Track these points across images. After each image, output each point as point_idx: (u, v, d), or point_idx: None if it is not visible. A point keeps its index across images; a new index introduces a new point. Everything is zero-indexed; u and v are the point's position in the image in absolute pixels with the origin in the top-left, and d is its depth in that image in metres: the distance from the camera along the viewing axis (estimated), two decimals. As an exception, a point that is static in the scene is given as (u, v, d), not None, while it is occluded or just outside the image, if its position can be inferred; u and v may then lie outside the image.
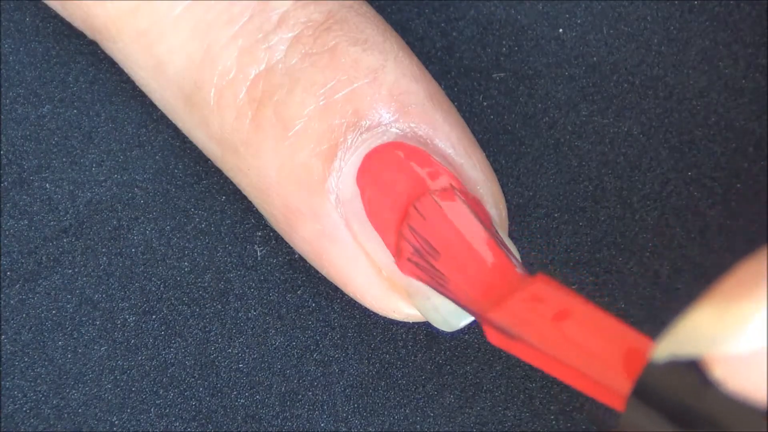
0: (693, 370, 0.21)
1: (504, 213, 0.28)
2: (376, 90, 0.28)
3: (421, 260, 0.27)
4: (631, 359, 0.23)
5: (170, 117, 0.29)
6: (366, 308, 0.31)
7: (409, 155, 0.27)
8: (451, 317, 0.27)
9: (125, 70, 0.30)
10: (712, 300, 0.21)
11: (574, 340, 0.24)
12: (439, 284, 0.27)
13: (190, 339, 0.31)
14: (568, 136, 0.32)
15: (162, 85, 0.29)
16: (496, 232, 0.27)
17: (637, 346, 0.24)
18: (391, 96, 0.28)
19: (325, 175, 0.27)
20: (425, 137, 0.28)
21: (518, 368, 0.31)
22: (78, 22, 0.29)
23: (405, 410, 0.30)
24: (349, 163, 0.27)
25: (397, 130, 0.28)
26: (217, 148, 0.29)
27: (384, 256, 0.27)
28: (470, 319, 0.27)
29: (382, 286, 0.28)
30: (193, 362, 0.31)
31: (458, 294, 0.26)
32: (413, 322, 0.31)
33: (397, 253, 0.27)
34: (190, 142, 0.32)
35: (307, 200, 0.28)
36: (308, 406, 0.30)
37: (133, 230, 0.31)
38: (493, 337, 0.26)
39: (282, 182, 0.28)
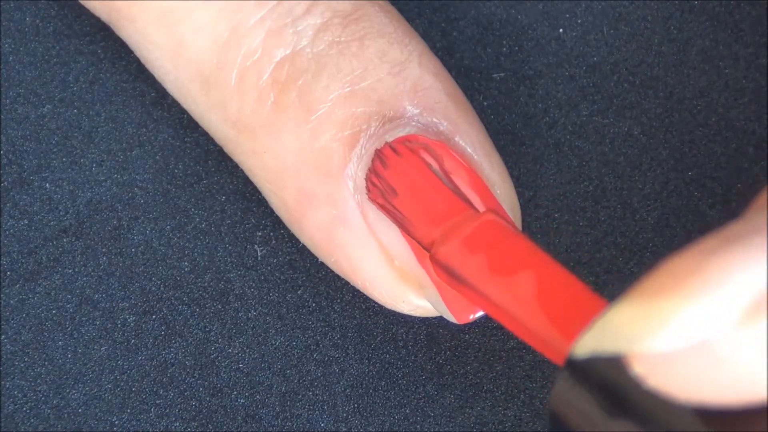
0: (616, 365, 0.21)
1: (518, 215, 0.28)
2: (401, 82, 0.28)
3: (382, 199, 0.27)
4: (577, 319, 0.23)
5: (182, 99, 0.29)
6: (366, 308, 0.31)
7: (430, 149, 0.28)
8: None
9: (137, 53, 0.29)
10: (634, 297, 0.21)
11: (517, 285, 0.24)
12: (400, 223, 0.27)
13: (190, 339, 0.31)
14: (568, 136, 0.32)
15: (179, 65, 0.29)
16: (451, 180, 0.27)
17: (585, 304, 0.23)
18: (416, 90, 0.28)
19: (346, 161, 0.28)
20: (446, 133, 0.28)
21: (518, 368, 0.31)
22: (95, 2, 0.29)
23: (405, 410, 0.30)
24: (370, 152, 0.27)
25: (420, 124, 0.28)
26: (231, 131, 0.29)
27: (398, 246, 0.27)
28: (480, 312, 0.27)
29: (393, 275, 0.28)
30: (193, 362, 0.31)
31: (412, 231, 0.27)
32: (414, 322, 0.31)
33: (368, 192, 0.27)
34: (190, 142, 0.32)
35: (325, 185, 0.28)
36: (308, 406, 0.30)
37: (133, 230, 0.31)
38: (442, 276, 0.26)
39: (300, 165, 0.28)
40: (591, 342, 0.21)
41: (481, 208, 0.27)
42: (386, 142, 0.27)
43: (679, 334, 0.20)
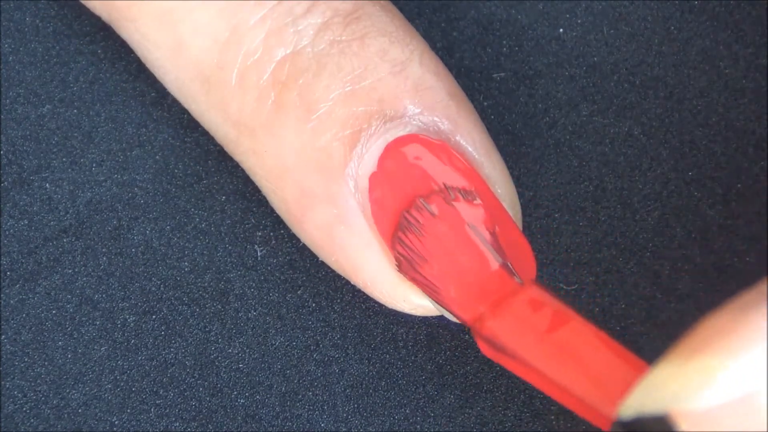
0: (662, 423, 0.21)
1: (519, 215, 0.28)
2: (402, 81, 0.28)
3: (413, 272, 0.27)
4: (623, 384, 0.24)
5: (183, 99, 0.29)
6: (366, 308, 0.31)
7: (430, 149, 0.27)
8: None
9: (137, 53, 0.29)
10: (676, 355, 0.22)
11: (564, 356, 0.25)
12: (433, 292, 0.27)
13: (190, 339, 0.31)
14: (568, 137, 0.32)
15: (179, 65, 0.29)
16: (494, 240, 0.27)
17: (631, 369, 0.24)
18: (416, 89, 0.28)
19: (346, 161, 0.28)
20: (447, 133, 0.28)
21: (518, 368, 0.31)
22: (95, 2, 0.29)
23: (405, 410, 0.30)
24: (371, 151, 0.27)
25: (420, 123, 0.28)
26: (232, 131, 0.29)
27: None
28: None
29: (394, 275, 0.28)
30: (193, 362, 0.31)
31: (450, 304, 0.27)
32: (414, 322, 0.31)
33: (395, 263, 0.27)
34: (190, 142, 0.32)
35: (325, 184, 0.28)
36: (308, 406, 0.30)
37: (133, 230, 0.31)
38: (486, 350, 0.26)
39: (300, 165, 0.28)
40: (636, 403, 0.22)
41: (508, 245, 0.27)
42: (420, 200, 0.27)
43: (720, 391, 0.21)
